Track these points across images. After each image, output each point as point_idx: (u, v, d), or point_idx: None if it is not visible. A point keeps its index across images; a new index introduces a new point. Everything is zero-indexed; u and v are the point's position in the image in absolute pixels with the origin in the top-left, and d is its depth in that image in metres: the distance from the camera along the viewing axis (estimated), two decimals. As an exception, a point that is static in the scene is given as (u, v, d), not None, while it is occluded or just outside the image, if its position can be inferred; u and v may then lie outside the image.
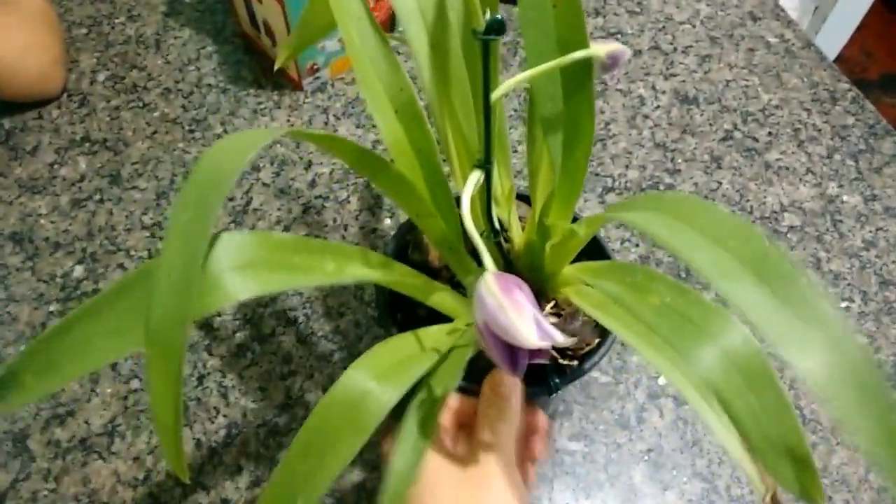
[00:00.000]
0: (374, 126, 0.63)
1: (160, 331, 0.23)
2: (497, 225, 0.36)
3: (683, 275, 0.55)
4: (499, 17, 0.24)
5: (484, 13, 0.26)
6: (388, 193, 0.33)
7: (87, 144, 0.62)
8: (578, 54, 0.27)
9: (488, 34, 0.25)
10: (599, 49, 0.27)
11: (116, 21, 0.71)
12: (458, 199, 0.34)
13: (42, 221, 0.57)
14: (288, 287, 0.28)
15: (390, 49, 0.33)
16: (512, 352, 0.28)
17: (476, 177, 0.30)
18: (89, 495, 0.45)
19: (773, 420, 0.24)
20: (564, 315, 0.40)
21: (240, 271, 0.26)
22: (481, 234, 0.30)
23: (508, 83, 0.27)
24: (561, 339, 0.27)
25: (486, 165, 0.30)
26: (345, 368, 0.29)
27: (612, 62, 0.28)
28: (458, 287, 0.40)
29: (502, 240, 0.41)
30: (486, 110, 0.27)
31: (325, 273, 0.30)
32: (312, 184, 0.60)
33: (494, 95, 0.28)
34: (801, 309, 0.21)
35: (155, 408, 0.24)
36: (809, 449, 0.24)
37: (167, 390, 0.24)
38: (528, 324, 0.26)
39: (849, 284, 0.55)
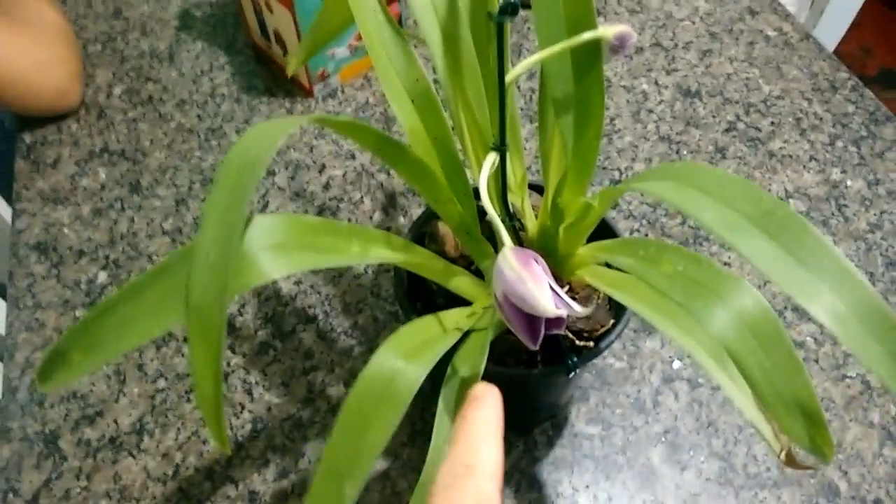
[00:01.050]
0: (384, 128, 0.65)
1: (201, 306, 0.24)
2: (511, 210, 0.38)
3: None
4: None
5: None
6: (407, 179, 0.34)
7: (107, 155, 0.63)
8: (588, 35, 0.28)
9: (502, 16, 0.26)
10: (608, 30, 0.28)
11: (130, 37, 0.73)
12: (474, 188, 0.35)
13: (65, 231, 0.59)
14: (316, 266, 0.29)
15: (406, 42, 0.34)
16: (530, 321, 0.29)
17: (492, 158, 0.31)
18: (120, 492, 0.46)
19: (785, 377, 0.25)
20: (579, 298, 0.42)
21: (272, 251, 0.27)
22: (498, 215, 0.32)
23: (522, 64, 0.29)
24: (578, 308, 0.28)
25: (501, 147, 0.31)
26: (365, 363, 0.30)
27: (619, 43, 0.29)
28: (475, 274, 0.42)
29: (515, 226, 0.42)
30: (501, 91, 0.29)
31: (350, 255, 0.31)
32: (326, 186, 0.61)
33: (509, 77, 0.29)
34: (808, 255, 0.22)
35: (197, 381, 0.25)
36: (819, 404, 0.25)
37: (208, 364, 0.25)
38: (546, 293, 0.28)
39: (855, 266, 0.56)
